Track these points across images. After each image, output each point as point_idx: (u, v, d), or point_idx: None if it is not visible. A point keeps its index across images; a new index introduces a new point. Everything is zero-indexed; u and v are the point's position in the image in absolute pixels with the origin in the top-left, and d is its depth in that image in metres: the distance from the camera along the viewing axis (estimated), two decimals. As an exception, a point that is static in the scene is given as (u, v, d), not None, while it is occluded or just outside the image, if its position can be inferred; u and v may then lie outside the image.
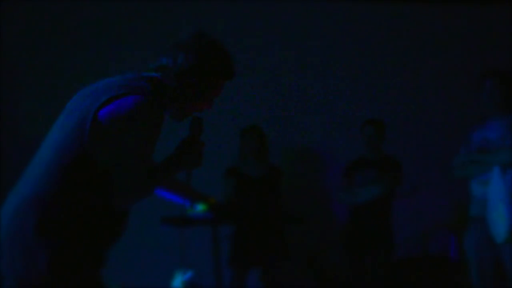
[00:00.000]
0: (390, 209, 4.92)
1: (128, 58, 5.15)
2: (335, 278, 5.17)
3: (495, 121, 4.01)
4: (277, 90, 5.57)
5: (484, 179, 3.90)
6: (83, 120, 2.09)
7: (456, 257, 5.00)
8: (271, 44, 5.58)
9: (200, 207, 2.87)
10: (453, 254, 5.05)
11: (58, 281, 2.05)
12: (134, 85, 2.15)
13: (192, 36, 2.30)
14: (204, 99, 2.31)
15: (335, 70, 5.63)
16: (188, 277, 4.01)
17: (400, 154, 5.06)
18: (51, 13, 5.38)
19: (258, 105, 5.50)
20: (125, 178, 2.07)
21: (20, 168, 2.24)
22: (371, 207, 4.84)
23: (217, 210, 3.08)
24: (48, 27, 5.38)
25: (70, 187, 2.07)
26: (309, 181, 5.59)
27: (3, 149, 5.04)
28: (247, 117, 5.33)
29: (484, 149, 3.98)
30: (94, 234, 2.12)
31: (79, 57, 5.32)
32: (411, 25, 5.69)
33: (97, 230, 2.13)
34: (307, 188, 5.55)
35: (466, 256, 4.08)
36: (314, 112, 5.58)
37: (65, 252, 2.05)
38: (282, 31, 5.60)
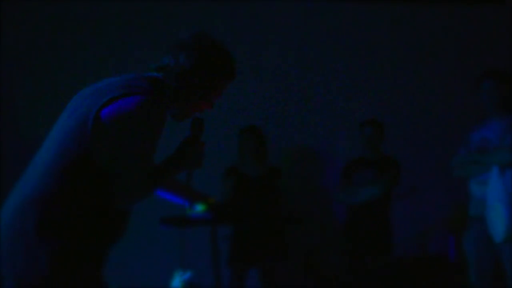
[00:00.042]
0: (389, 209, 4.92)
1: (128, 58, 5.16)
2: (334, 278, 5.17)
3: (494, 121, 4.02)
4: (277, 90, 5.57)
5: (483, 179, 3.91)
6: (84, 120, 2.09)
7: (455, 257, 5.00)
8: (271, 44, 5.58)
9: (200, 207, 2.87)
10: (452, 254, 5.05)
11: (58, 281, 2.05)
12: (135, 85, 2.15)
13: (193, 36, 2.31)
14: (205, 99, 2.31)
15: (335, 70, 5.63)
16: (188, 277, 4.02)
17: (399, 154, 5.05)
18: (51, 13, 5.38)
19: (258, 105, 5.50)
20: (126, 179, 2.07)
21: (20, 168, 2.23)
22: (370, 207, 4.84)
23: (216, 210, 3.07)
24: (48, 27, 5.38)
25: (71, 187, 2.08)
26: (308, 181, 5.58)
27: (3, 149, 5.04)
28: (247, 117, 5.33)
29: (483, 149, 3.99)
30: (95, 234, 2.12)
31: (79, 57, 5.32)
32: (411, 25, 5.69)
33: (97, 230, 2.13)
34: (307, 188, 5.54)
35: (465, 255, 4.09)
36: (314, 112, 5.58)
37: (65, 252, 2.05)
38: (282, 31, 5.60)
